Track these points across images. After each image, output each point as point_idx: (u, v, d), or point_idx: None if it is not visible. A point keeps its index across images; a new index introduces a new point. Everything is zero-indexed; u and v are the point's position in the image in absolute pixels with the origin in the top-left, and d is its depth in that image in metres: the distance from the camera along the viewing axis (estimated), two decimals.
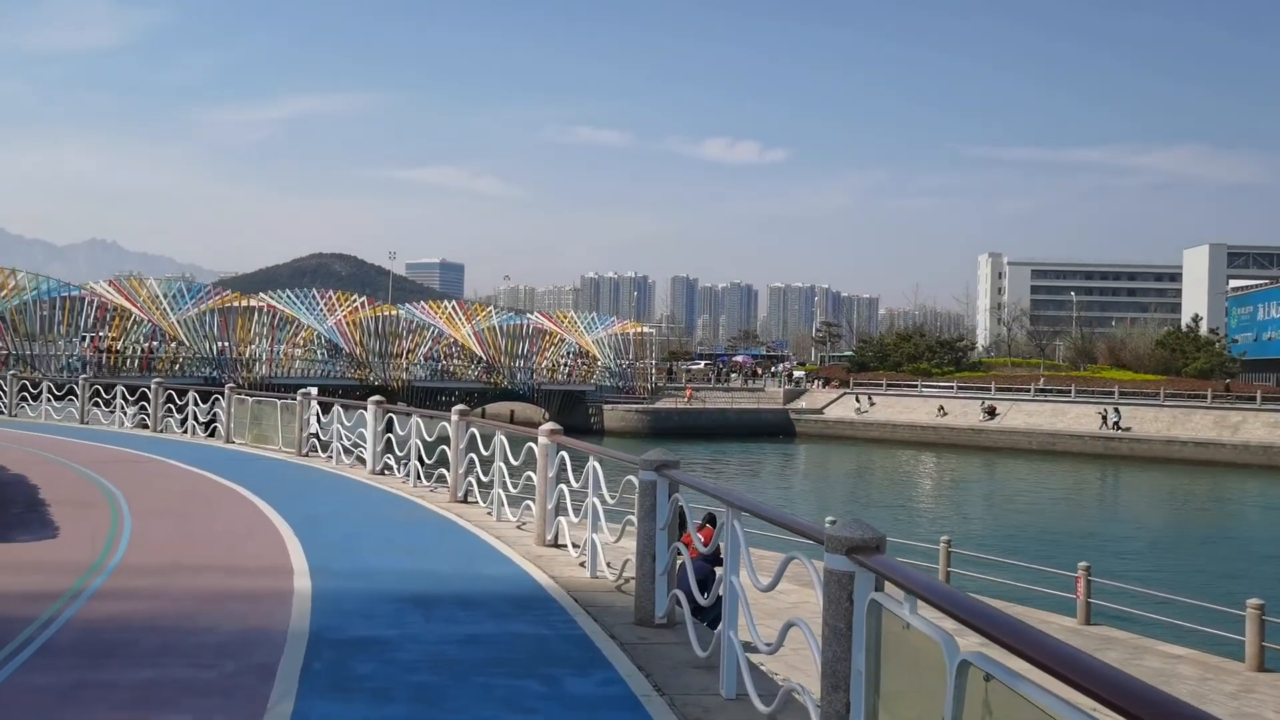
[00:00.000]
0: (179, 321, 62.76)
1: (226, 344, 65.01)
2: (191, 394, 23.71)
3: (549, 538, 10.77)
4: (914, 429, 71.19)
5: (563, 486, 10.55)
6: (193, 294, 67.01)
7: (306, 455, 19.39)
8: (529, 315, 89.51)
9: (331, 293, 75.00)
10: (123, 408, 25.75)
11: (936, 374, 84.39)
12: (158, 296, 63.93)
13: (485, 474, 13.12)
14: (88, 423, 26.19)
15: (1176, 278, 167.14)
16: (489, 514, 12.78)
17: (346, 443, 18.55)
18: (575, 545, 10.22)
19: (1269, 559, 32.46)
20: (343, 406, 19.39)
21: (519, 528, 11.92)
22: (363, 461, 17.60)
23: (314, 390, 30.93)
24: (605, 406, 72.57)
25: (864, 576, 4.25)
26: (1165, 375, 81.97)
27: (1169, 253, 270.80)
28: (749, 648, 5.92)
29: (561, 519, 10.65)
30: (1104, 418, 66.32)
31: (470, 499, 13.83)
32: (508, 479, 12.46)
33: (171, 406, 24.37)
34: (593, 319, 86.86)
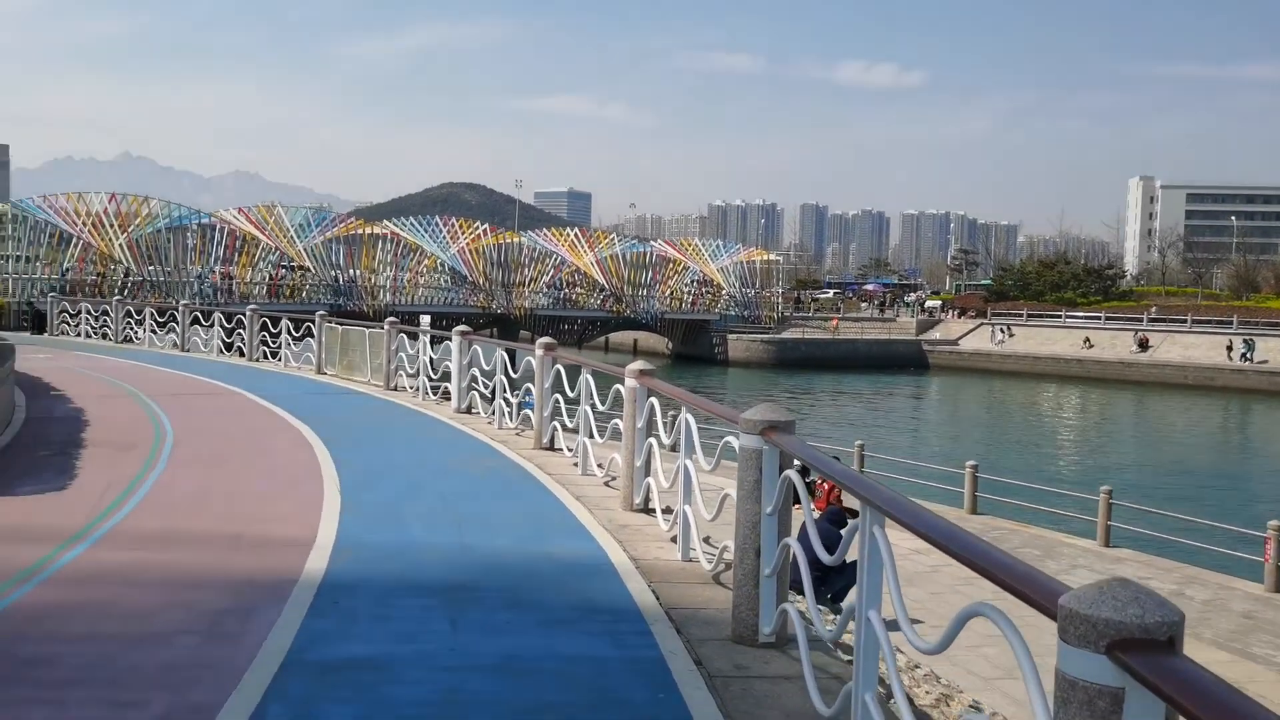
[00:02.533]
0: (305, 249, 62.82)
1: (354, 271, 65.01)
2: (284, 322, 22.52)
3: (637, 501, 8.84)
4: (1056, 362, 67.03)
5: (652, 441, 8.55)
6: (318, 222, 66.89)
7: (395, 389, 17.94)
8: (653, 243, 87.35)
9: (454, 220, 74.30)
10: (222, 335, 24.78)
11: (1082, 304, 79.41)
12: (285, 224, 63.99)
13: (572, 418, 11.26)
14: (188, 350, 25.36)
15: None
16: (575, 464, 10.93)
17: (435, 376, 16.98)
18: (668, 511, 8.26)
19: None
20: (433, 339, 17.78)
21: (606, 484, 10.03)
22: (449, 398, 15.95)
23: (426, 319, 29.86)
24: (730, 336, 70.40)
25: (1142, 700, 2.14)
26: None
27: None
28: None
29: (651, 480, 8.68)
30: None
31: (557, 446, 11.99)
32: (593, 425, 10.57)
33: (266, 335, 23.25)
34: (718, 246, 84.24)
